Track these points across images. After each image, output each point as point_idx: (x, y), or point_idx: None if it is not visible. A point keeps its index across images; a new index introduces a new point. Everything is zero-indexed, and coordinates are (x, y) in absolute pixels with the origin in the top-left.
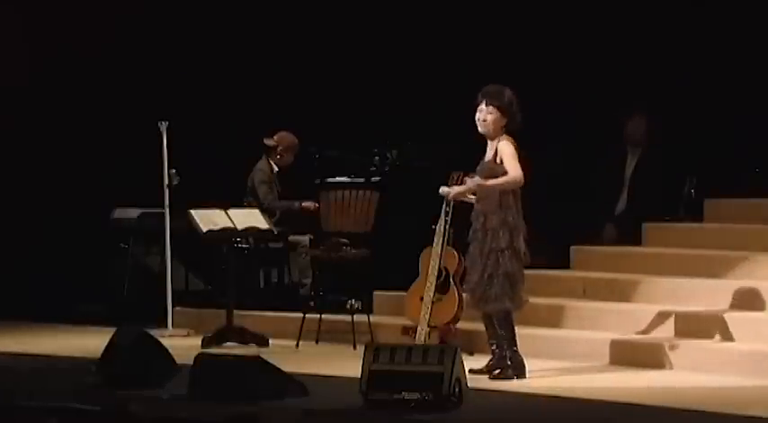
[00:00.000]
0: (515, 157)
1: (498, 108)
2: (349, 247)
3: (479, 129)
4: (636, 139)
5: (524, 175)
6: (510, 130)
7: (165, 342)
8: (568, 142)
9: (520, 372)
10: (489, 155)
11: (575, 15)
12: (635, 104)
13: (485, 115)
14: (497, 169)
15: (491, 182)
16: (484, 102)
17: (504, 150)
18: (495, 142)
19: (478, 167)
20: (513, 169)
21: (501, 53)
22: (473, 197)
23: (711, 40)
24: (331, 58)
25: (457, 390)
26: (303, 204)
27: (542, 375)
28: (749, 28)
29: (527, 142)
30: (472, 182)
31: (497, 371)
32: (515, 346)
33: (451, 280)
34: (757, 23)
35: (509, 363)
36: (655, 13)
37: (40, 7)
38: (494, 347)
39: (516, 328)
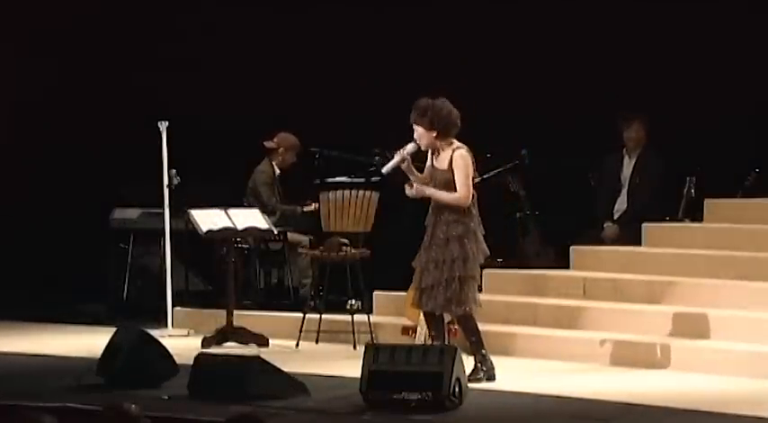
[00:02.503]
0: (468, 175)
1: (420, 124)
2: (349, 247)
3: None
4: (634, 142)
5: (471, 193)
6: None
7: (165, 342)
8: (568, 142)
9: (490, 374)
10: (444, 163)
11: (575, 17)
12: (633, 109)
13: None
14: (451, 179)
15: (439, 194)
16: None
17: (459, 165)
18: (448, 151)
19: (428, 173)
20: (464, 188)
21: (500, 54)
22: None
23: (711, 40)
24: (332, 58)
25: (457, 390)
26: (305, 208)
27: (542, 375)
28: (748, 28)
29: (528, 142)
30: (421, 189)
31: (469, 373)
32: (483, 348)
33: None
34: (756, 23)
35: (479, 365)
36: (655, 14)
37: (38, 4)
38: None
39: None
